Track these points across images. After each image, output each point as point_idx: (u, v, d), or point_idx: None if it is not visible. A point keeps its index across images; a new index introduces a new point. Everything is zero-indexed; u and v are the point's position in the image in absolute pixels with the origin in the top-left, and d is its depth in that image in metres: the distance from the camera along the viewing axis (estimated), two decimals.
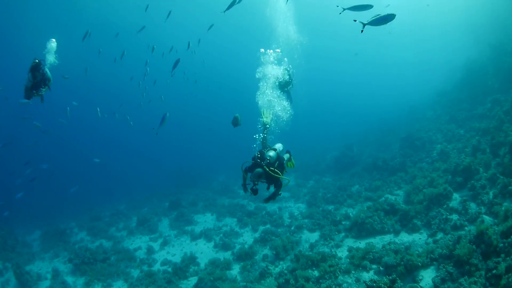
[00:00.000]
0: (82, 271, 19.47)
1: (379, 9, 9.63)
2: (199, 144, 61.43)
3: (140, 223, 25.24)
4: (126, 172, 50.25)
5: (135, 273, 18.96)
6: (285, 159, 10.65)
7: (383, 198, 19.28)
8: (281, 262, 16.46)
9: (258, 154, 9.56)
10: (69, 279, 19.15)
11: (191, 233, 22.60)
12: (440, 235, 13.85)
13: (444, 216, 14.45)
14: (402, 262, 12.18)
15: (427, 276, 11.64)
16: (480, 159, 17.14)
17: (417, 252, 12.82)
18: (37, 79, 10.72)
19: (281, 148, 10.39)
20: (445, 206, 15.24)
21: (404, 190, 19.47)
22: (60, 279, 19.10)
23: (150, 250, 21.15)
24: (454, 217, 14.41)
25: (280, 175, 9.44)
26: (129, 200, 34.41)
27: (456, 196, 15.97)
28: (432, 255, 12.14)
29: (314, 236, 18.33)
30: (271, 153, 9.62)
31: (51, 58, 11.04)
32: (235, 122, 11.79)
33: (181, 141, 64.99)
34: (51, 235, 25.39)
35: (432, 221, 14.67)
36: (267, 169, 9.20)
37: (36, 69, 10.60)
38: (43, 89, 11.00)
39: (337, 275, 13.35)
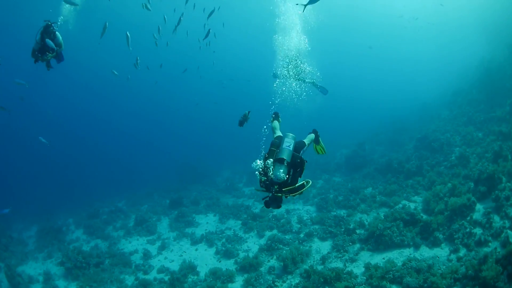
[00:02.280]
0: (74, 275, 18.16)
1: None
2: (205, 136, 60.15)
3: (138, 223, 23.86)
4: (129, 165, 49.18)
5: (130, 280, 17.59)
6: (305, 146, 8.93)
7: (400, 205, 17.75)
8: (289, 277, 14.92)
9: (263, 177, 7.59)
10: (61, 284, 17.92)
11: (192, 236, 21.11)
12: (463, 251, 12.41)
13: (467, 230, 13.00)
14: (426, 285, 10.88)
15: None
16: (503, 166, 15.70)
17: (440, 271, 11.44)
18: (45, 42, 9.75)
19: (291, 146, 8.09)
20: (468, 218, 13.78)
21: (423, 197, 17.94)
22: (52, 283, 17.93)
23: (146, 255, 19.71)
24: (478, 231, 12.96)
25: (296, 190, 7.66)
26: (130, 195, 33.04)
27: (479, 207, 14.47)
28: (456, 275, 10.79)
29: (326, 246, 16.78)
30: (281, 173, 7.50)
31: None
32: (243, 120, 10.23)
33: (188, 133, 63.78)
34: (46, 233, 24.12)
35: (455, 235, 13.17)
36: (281, 195, 7.57)
37: (46, 31, 9.66)
38: (50, 55, 10.08)
39: None
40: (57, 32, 9.90)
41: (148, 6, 18.26)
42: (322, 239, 17.51)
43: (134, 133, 65.01)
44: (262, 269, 16.16)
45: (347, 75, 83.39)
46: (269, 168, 7.55)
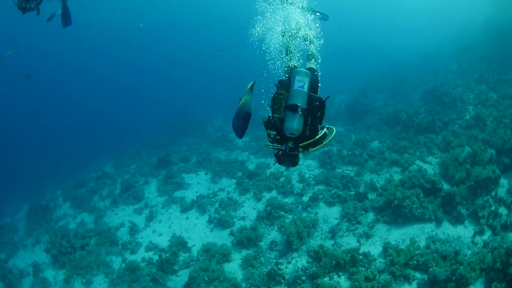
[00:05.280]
0: (61, 263, 16.80)
1: None
2: (196, 82, 57.32)
3: (124, 189, 21.76)
4: (116, 120, 46.88)
5: (117, 262, 16.00)
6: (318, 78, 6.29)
7: (414, 166, 15.90)
8: (295, 255, 13.16)
9: (271, 131, 5.60)
10: (49, 274, 16.68)
11: (181, 202, 19.12)
12: (488, 234, 11.40)
13: (493, 208, 11.91)
14: (454, 277, 9.70)
15: None
16: None
17: (467, 258, 10.43)
18: None
19: (305, 86, 5.70)
20: (493, 193, 12.72)
21: (439, 158, 16.31)
22: (40, 275, 16.75)
23: (133, 229, 17.80)
24: (503, 211, 11.94)
25: (317, 143, 5.62)
26: (118, 155, 30.85)
27: (503, 181, 13.22)
28: (483, 265, 9.92)
29: (334, 213, 14.89)
30: (294, 125, 5.46)
31: None
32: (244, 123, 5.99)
33: (178, 80, 60.92)
34: (35, 213, 22.72)
35: (479, 213, 12.08)
36: (297, 153, 5.64)
37: None
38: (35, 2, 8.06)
39: None
40: None
41: None
42: (329, 204, 15.59)
43: (120, 84, 61.89)
44: (262, 243, 14.38)
45: (341, 16, 79.27)
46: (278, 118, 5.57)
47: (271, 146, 5.67)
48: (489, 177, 12.84)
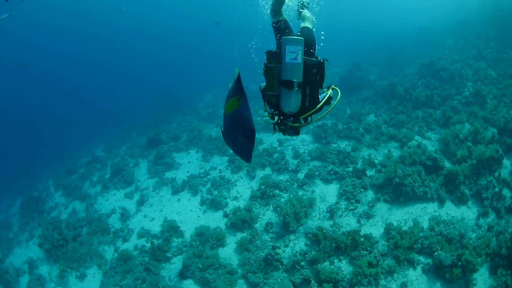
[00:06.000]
0: (55, 257, 16.30)
1: None
2: (186, 59, 56.16)
3: (115, 173, 21.11)
4: (105, 102, 46.13)
5: (109, 252, 15.45)
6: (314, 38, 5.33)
7: (414, 142, 15.57)
8: (292, 237, 12.62)
9: (269, 109, 4.98)
10: (44, 270, 16.16)
11: (172, 183, 18.45)
12: (492, 216, 11.37)
13: (496, 190, 11.84)
14: (460, 263, 9.46)
15: (480, 279, 9.57)
16: None
17: (472, 242, 10.29)
18: None
19: (299, 56, 4.73)
20: (496, 174, 12.68)
21: (439, 134, 16.09)
22: (36, 272, 16.27)
23: (124, 215, 17.20)
24: (507, 193, 11.93)
25: (320, 110, 4.93)
26: (108, 137, 30.05)
27: (506, 162, 13.24)
28: (488, 250, 9.88)
29: (332, 191, 14.30)
30: (291, 103, 4.72)
31: None
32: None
33: (167, 58, 59.74)
34: (27, 206, 22.07)
35: (483, 194, 11.89)
36: (299, 124, 4.89)
37: None
38: None
39: (378, 280, 9.59)
40: None
41: None
42: (326, 181, 14.98)
43: (107, 66, 60.57)
44: (257, 225, 13.80)
45: None
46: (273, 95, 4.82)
47: (269, 122, 5.00)
48: (492, 156, 12.64)
